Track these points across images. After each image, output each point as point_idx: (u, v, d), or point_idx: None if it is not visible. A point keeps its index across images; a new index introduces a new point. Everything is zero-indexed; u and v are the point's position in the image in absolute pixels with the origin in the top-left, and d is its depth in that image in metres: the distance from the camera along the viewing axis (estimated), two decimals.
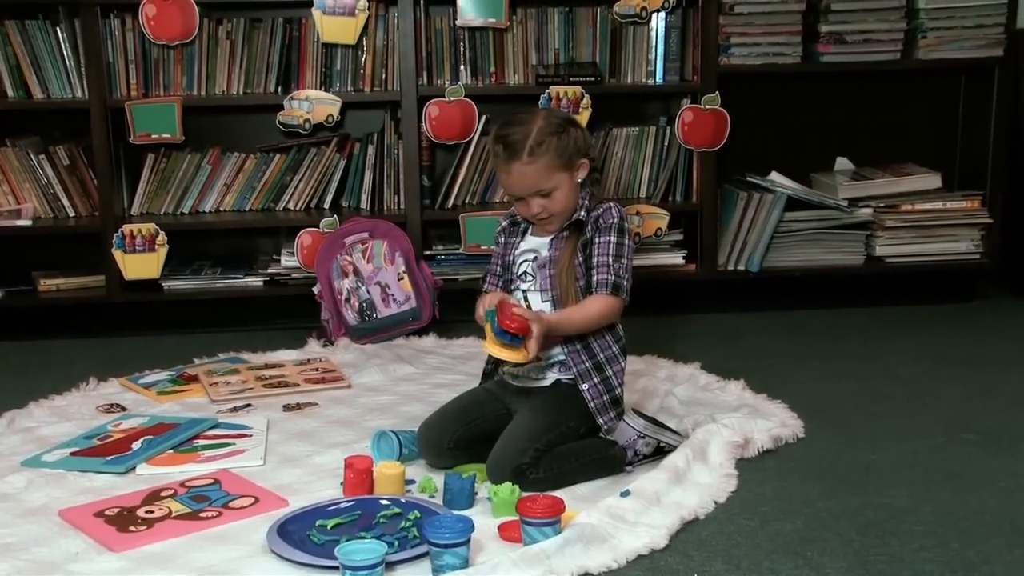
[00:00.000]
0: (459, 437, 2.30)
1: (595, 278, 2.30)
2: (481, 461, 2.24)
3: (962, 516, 2.07)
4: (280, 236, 3.58)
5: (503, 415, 2.33)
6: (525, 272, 2.38)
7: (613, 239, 2.31)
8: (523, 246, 2.40)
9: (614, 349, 2.35)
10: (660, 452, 2.31)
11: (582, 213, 2.34)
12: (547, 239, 2.37)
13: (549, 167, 2.27)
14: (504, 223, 2.48)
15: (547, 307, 2.33)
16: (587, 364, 2.32)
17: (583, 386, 2.31)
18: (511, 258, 2.42)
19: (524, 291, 2.37)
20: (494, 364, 2.46)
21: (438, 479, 2.20)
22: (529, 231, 2.42)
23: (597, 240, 2.32)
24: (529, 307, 2.34)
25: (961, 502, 2.13)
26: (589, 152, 2.37)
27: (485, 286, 2.48)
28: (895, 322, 3.44)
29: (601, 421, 2.32)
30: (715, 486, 2.18)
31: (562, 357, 2.33)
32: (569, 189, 2.31)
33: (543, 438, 2.22)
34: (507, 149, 2.28)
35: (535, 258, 2.37)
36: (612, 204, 2.36)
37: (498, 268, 2.47)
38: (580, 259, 2.32)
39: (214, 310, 3.49)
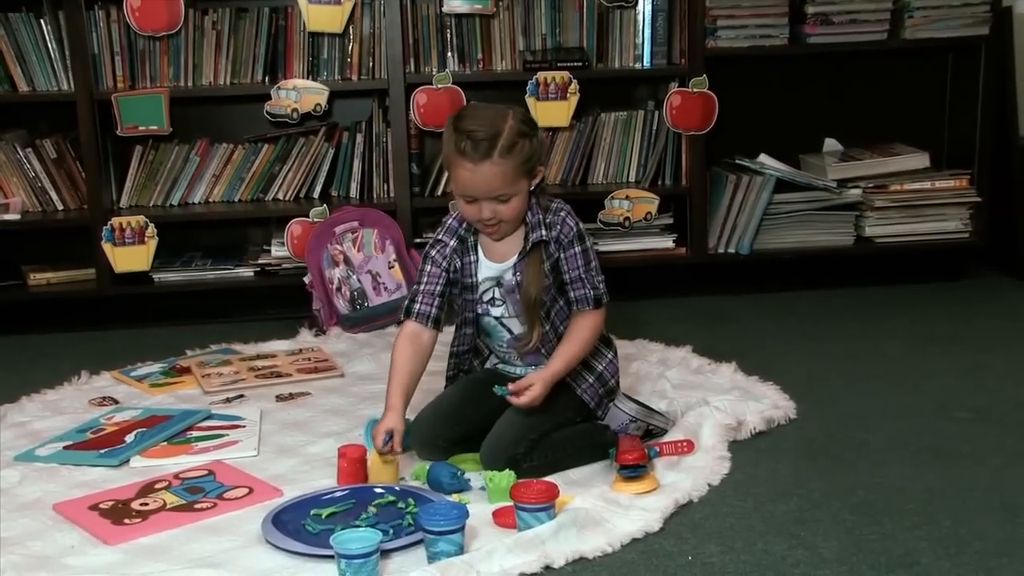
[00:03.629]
0: (450, 436, 2.29)
1: (573, 294, 2.24)
2: (475, 450, 2.24)
3: (953, 494, 2.08)
4: (270, 226, 3.57)
5: (496, 408, 2.25)
6: (493, 298, 2.29)
7: (578, 250, 2.23)
8: (483, 272, 2.28)
9: (596, 344, 2.31)
10: (650, 435, 2.33)
11: (543, 232, 2.22)
12: (509, 264, 2.25)
13: (516, 171, 2.14)
14: (451, 242, 2.28)
15: (526, 330, 2.28)
16: (577, 367, 2.29)
17: (579, 390, 2.30)
18: (472, 280, 2.29)
19: (498, 318, 2.30)
20: (455, 370, 2.42)
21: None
22: (481, 251, 2.28)
23: (563, 255, 2.23)
24: (509, 331, 2.30)
25: (952, 480, 2.15)
26: (544, 158, 2.26)
27: (417, 307, 2.27)
28: (885, 302, 3.45)
29: (600, 413, 2.32)
30: (708, 468, 2.19)
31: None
32: (525, 196, 2.19)
33: (538, 428, 2.21)
34: (476, 146, 2.11)
35: (499, 283, 2.27)
36: (563, 212, 2.24)
37: (438, 287, 2.28)
38: (549, 280, 2.23)
39: (205, 301, 3.48)
